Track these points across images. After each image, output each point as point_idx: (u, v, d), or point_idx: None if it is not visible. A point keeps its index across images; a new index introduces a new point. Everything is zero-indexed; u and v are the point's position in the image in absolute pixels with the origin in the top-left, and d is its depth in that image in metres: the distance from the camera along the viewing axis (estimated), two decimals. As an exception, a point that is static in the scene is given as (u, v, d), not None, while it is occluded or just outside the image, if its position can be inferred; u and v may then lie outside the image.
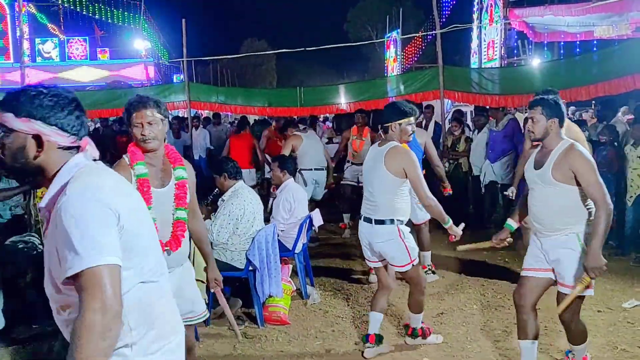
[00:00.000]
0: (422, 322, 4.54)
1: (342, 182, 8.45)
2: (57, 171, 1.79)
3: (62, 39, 27.38)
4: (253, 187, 8.31)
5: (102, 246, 1.64)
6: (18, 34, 26.81)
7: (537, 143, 3.78)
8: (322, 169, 8.09)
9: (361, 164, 7.74)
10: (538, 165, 3.61)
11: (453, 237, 4.29)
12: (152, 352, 1.83)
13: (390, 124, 4.25)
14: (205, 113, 17.27)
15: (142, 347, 1.80)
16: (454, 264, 6.57)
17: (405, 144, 4.31)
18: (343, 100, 11.77)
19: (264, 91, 15.24)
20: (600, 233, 3.36)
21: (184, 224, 3.13)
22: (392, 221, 4.20)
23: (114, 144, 11.22)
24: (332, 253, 7.40)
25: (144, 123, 3.00)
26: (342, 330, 4.93)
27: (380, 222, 4.22)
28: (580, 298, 3.57)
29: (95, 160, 1.88)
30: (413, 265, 4.27)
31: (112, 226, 1.69)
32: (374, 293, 4.62)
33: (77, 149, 1.83)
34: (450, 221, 4.22)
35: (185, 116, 12.90)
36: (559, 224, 3.52)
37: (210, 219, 5.07)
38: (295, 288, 5.61)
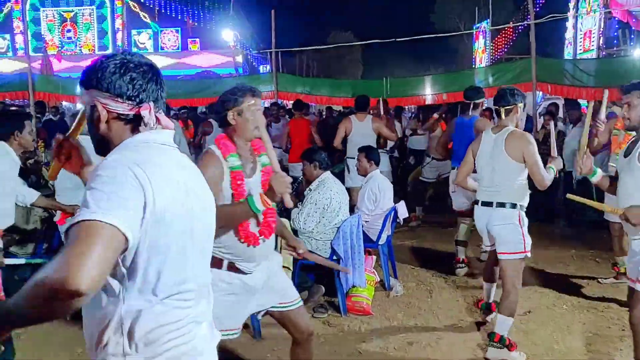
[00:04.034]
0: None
1: (421, 177, 8.44)
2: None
3: (155, 30, 28.51)
4: None
5: (115, 206, 1.44)
6: (116, 25, 28.28)
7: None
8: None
9: (441, 160, 7.77)
10: (627, 152, 3.52)
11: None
12: None
13: (513, 106, 4.33)
14: (289, 104, 17.48)
15: None
16: (542, 260, 6.36)
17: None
18: (429, 92, 11.62)
19: (350, 82, 15.26)
20: None
21: (273, 210, 3.06)
22: (513, 205, 4.25)
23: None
24: (415, 246, 7.35)
25: (257, 110, 2.98)
26: (424, 324, 4.89)
27: (501, 204, 4.28)
28: None
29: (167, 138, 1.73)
30: (527, 256, 4.28)
31: (137, 199, 1.49)
32: (486, 263, 4.84)
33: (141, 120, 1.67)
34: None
35: (267, 106, 13.16)
36: None
37: (297, 207, 5.16)
38: (378, 279, 5.62)
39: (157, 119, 1.70)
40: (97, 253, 1.36)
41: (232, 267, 2.94)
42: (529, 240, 4.26)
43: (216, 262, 2.81)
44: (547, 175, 4.19)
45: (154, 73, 1.69)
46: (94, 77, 1.64)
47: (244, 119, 2.92)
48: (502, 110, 4.35)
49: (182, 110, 10.95)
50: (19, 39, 28.65)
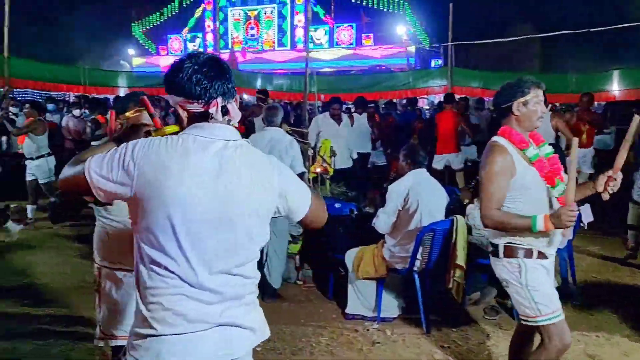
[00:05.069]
0: None
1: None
2: None
3: (331, 26, 29.38)
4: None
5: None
6: (295, 22, 29.65)
7: None
8: None
9: None
10: None
11: None
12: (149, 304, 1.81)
13: None
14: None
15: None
16: None
17: None
18: (616, 88, 10.76)
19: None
20: None
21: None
22: None
23: (412, 130, 11.15)
24: (599, 252, 6.83)
25: (540, 102, 3.08)
26: (608, 338, 4.53)
27: None
28: None
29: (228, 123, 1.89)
30: None
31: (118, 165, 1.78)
32: None
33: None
34: None
35: (441, 100, 12.96)
36: None
37: (473, 203, 5.06)
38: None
39: (228, 110, 1.89)
40: None
41: (541, 255, 3.10)
42: None
43: (527, 253, 3.06)
44: None
45: (217, 70, 1.87)
46: (170, 84, 1.87)
47: (528, 110, 3.04)
48: None
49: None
50: (209, 37, 31.28)
